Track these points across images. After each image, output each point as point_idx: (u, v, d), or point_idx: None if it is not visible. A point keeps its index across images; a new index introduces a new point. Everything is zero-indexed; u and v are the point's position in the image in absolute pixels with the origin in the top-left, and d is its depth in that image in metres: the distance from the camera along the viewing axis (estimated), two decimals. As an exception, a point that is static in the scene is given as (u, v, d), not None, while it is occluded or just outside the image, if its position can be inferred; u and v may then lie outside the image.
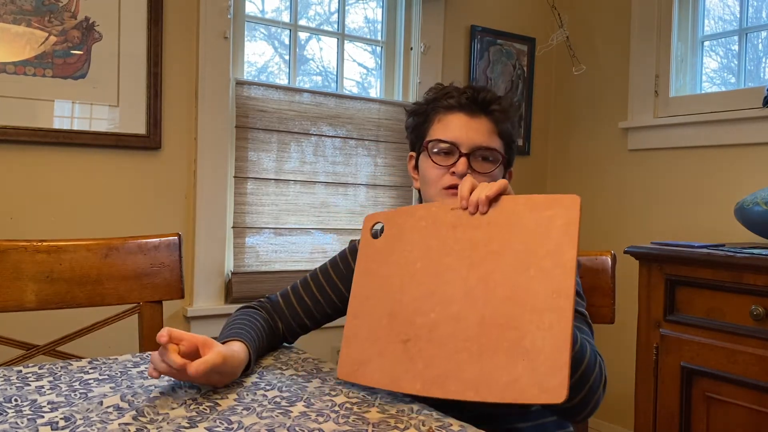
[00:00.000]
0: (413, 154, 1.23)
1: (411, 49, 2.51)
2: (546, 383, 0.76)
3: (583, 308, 1.08)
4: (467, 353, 0.83)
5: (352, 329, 0.95)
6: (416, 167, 1.21)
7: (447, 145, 1.13)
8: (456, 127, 1.13)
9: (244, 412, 0.82)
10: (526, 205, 0.86)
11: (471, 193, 0.91)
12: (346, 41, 2.43)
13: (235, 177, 2.13)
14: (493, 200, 0.89)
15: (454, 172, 1.10)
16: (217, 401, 0.86)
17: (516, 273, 0.83)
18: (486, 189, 0.89)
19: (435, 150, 1.14)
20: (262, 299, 1.20)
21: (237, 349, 0.96)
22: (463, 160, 1.11)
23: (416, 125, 1.21)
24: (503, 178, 1.19)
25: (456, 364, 0.83)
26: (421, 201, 1.21)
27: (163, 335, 0.85)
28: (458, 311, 0.86)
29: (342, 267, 1.17)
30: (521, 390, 0.78)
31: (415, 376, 0.86)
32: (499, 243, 0.86)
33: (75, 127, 1.86)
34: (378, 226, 1.00)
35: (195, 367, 0.85)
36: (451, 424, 0.80)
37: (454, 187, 1.10)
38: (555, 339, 0.77)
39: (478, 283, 0.85)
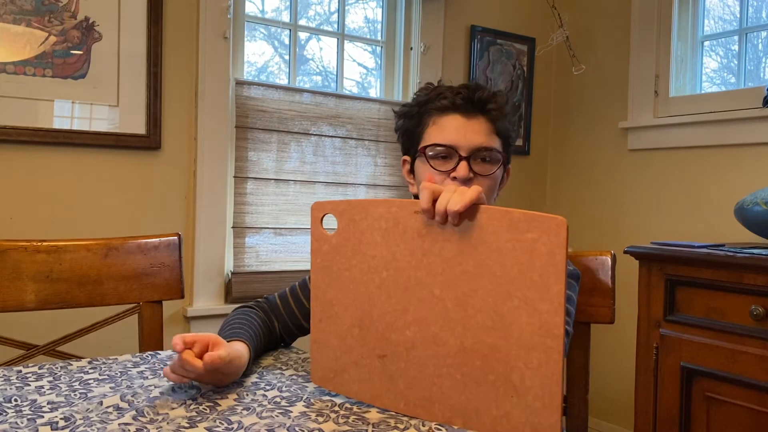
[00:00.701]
0: (407, 158, 1.19)
1: (411, 49, 2.51)
2: (538, 422, 0.73)
3: (568, 307, 1.06)
4: (451, 379, 0.79)
5: (320, 333, 0.91)
6: (411, 171, 1.19)
7: (444, 149, 1.09)
8: (453, 130, 1.10)
9: (244, 412, 0.82)
10: (503, 222, 0.75)
11: (433, 202, 0.79)
12: (346, 41, 2.43)
13: (235, 177, 2.13)
14: (464, 213, 0.77)
15: (455, 177, 1.07)
16: (217, 401, 0.86)
17: (497, 301, 0.76)
18: (456, 201, 0.77)
19: (432, 155, 1.10)
20: (259, 300, 1.20)
21: (240, 349, 0.96)
22: (463, 164, 1.08)
23: (408, 128, 1.17)
24: (502, 176, 1.17)
25: (440, 389, 0.80)
26: None
27: (177, 343, 0.84)
28: (436, 333, 0.80)
29: None
30: (512, 426, 0.75)
31: (398, 395, 0.84)
32: (474, 263, 0.77)
33: (75, 127, 1.86)
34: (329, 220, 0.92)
35: (211, 357, 0.85)
36: (452, 425, 0.80)
37: None
38: (545, 378, 0.73)
39: (455, 307, 0.79)
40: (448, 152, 1.10)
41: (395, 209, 0.83)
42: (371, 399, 0.86)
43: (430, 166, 1.11)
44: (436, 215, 0.79)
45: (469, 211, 0.77)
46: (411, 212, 0.82)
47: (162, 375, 0.98)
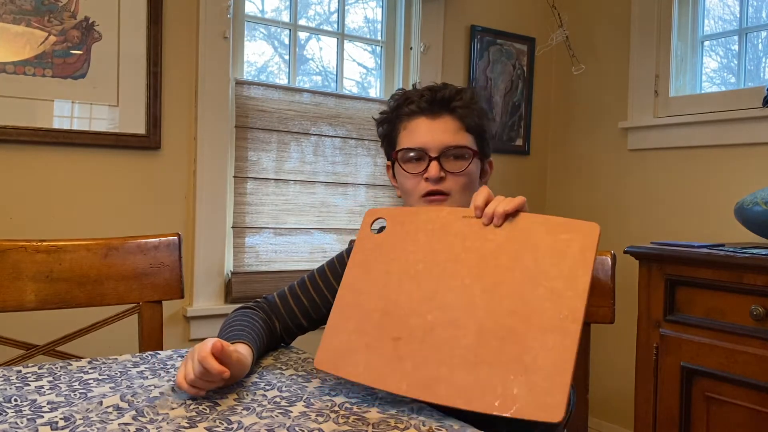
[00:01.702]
0: (390, 163, 1.22)
1: (411, 49, 2.51)
2: (544, 401, 0.75)
3: None
4: (462, 360, 0.81)
5: (338, 318, 0.92)
6: (395, 176, 1.21)
7: (415, 152, 1.12)
8: (421, 133, 1.13)
9: (244, 412, 0.82)
10: (542, 225, 0.84)
11: (486, 204, 0.89)
12: (345, 41, 2.43)
13: (235, 177, 2.13)
14: (509, 216, 0.87)
15: (428, 178, 1.10)
16: (216, 401, 0.86)
17: (524, 289, 0.82)
18: (504, 204, 0.88)
19: (405, 159, 1.14)
20: (258, 300, 1.20)
21: (244, 351, 0.96)
22: (434, 164, 1.10)
23: (386, 135, 1.21)
24: (481, 170, 1.19)
25: (449, 369, 0.81)
26: None
27: (215, 367, 0.83)
28: (457, 317, 0.84)
29: (339, 269, 1.17)
30: (516, 404, 0.76)
31: (402, 375, 0.83)
32: (509, 258, 0.84)
33: (75, 127, 1.86)
34: (377, 225, 0.98)
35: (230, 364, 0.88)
36: (452, 425, 0.79)
37: (432, 194, 1.11)
38: (557, 359, 0.76)
39: (482, 294, 0.84)
40: (419, 154, 1.12)
41: (444, 214, 0.92)
42: (373, 381, 0.85)
43: (404, 170, 1.14)
44: (484, 217, 0.88)
45: (512, 217, 0.87)
46: (459, 217, 0.90)
47: (162, 375, 0.98)
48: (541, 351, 0.77)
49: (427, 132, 1.12)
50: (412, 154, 1.13)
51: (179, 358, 1.08)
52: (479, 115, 1.16)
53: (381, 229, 0.98)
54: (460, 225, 0.89)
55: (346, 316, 0.91)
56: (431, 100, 1.13)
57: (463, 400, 0.79)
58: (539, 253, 0.83)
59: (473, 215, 0.90)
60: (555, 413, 0.74)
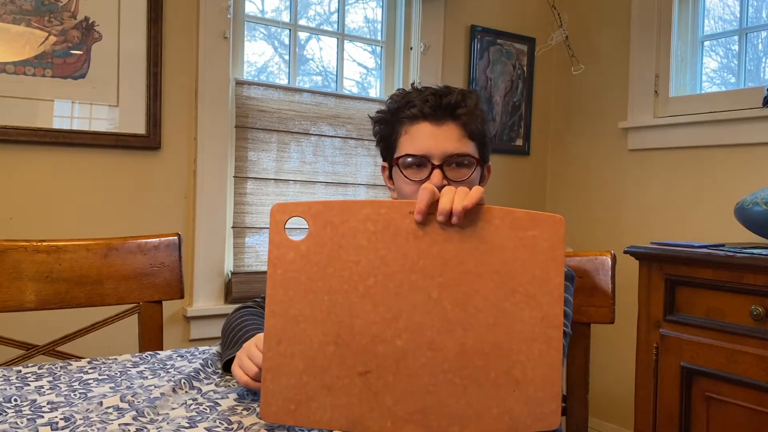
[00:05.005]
0: (386, 165, 1.19)
1: (411, 49, 2.51)
2: (539, 411, 0.75)
3: (565, 309, 1.06)
4: (449, 385, 0.76)
5: (278, 358, 0.77)
6: (391, 177, 1.19)
7: (417, 158, 1.09)
8: (424, 139, 1.09)
9: (244, 413, 0.82)
10: (505, 221, 0.76)
11: (429, 205, 0.76)
12: (345, 41, 2.43)
13: (235, 177, 2.13)
14: (469, 212, 0.76)
15: None
16: (217, 401, 0.86)
17: (499, 298, 0.76)
18: (460, 198, 0.75)
19: (406, 164, 1.11)
20: (257, 299, 1.20)
21: None
22: (436, 172, 1.08)
23: (384, 136, 1.17)
24: (481, 176, 1.16)
25: (436, 398, 0.76)
26: None
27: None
28: (433, 339, 0.76)
29: None
30: (515, 420, 0.76)
31: (384, 413, 0.76)
32: (476, 263, 0.76)
33: (75, 127, 1.86)
34: (293, 225, 0.80)
35: None
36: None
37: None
38: (545, 368, 0.75)
39: (455, 308, 0.76)
40: (421, 161, 1.10)
41: (385, 210, 0.77)
42: (349, 425, 0.77)
43: (405, 176, 1.11)
44: (439, 215, 0.75)
45: (472, 211, 0.76)
46: (405, 213, 0.77)
47: (162, 375, 0.98)
48: (529, 363, 0.75)
49: (430, 138, 1.09)
50: (413, 160, 1.10)
51: (179, 358, 1.08)
52: (482, 120, 1.13)
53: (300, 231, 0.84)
54: (409, 223, 0.77)
55: (288, 353, 0.77)
56: (436, 106, 1.10)
57: (459, 427, 0.76)
58: (507, 254, 0.76)
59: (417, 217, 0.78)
60: (551, 422, 0.75)
